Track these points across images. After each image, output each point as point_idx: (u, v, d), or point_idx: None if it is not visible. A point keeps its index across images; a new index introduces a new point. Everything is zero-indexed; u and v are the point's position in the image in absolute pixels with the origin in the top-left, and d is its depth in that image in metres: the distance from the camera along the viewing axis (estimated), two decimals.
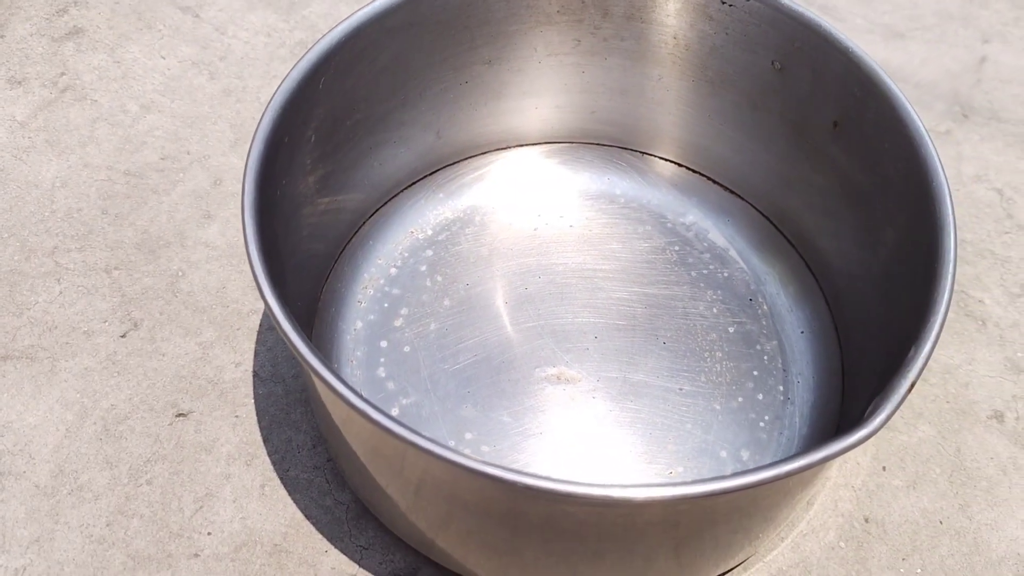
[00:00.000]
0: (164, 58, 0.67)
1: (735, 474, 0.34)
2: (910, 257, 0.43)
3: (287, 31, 0.69)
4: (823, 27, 0.47)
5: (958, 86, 0.67)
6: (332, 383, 0.36)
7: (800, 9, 0.48)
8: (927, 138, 0.42)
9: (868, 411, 0.36)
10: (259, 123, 0.43)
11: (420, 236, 0.57)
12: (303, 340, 0.37)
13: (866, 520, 0.48)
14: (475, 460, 0.34)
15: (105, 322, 0.54)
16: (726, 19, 0.50)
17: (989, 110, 0.65)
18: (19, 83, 0.65)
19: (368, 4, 0.48)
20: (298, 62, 0.46)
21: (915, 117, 0.43)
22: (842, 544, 0.48)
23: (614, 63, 0.55)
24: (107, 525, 0.47)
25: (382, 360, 0.52)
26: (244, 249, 0.56)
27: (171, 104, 0.64)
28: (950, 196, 0.40)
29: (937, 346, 0.52)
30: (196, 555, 0.46)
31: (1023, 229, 0.59)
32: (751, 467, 0.48)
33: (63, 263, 0.56)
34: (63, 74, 0.66)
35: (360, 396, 0.36)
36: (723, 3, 0.50)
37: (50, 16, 0.70)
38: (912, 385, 0.36)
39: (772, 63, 0.50)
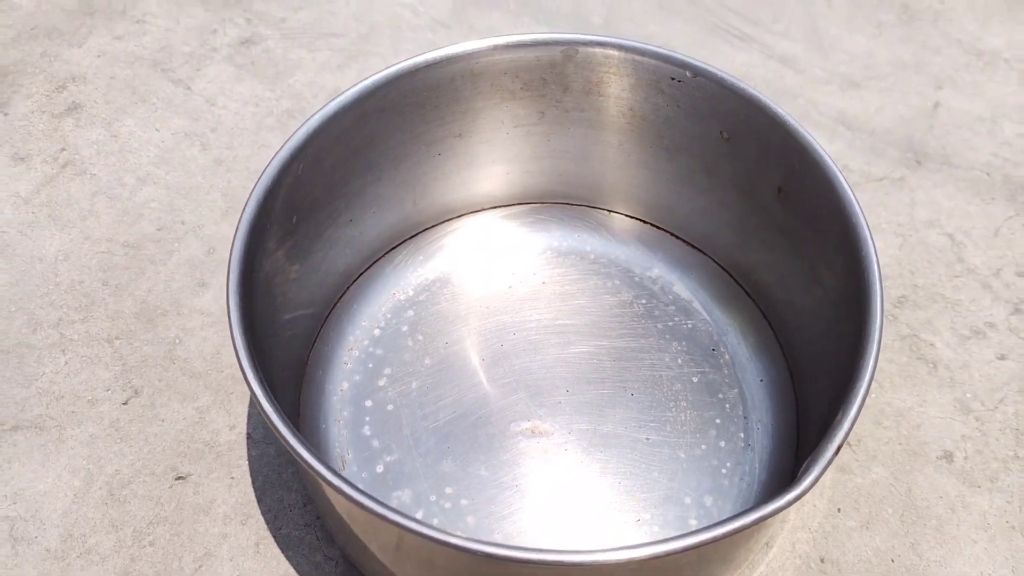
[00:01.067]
0: (158, 130, 0.71)
1: (674, 537, 0.37)
2: (847, 315, 0.47)
3: (273, 100, 0.73)
4: (764, 103, 0.50)
5: (912, 132, 0.70)
6: (311, 463, 0.39)
7: (742, 86, 0.51)
8: (859, 212, 0.46)
9: (800, 471, 0.39)
10: (243, 212, 0.47)
11: (401, 297, 0.60)
12: (289, 429, 0.41)
13: (822, 560, 0.52)
14: (439, 532, 0.37)
15: (108, 390, 0.58)
16: (677, 94, 0.54)
17: (941, 155, 0.69)
18: (22, 159, 0.69)
19: (342, 93, 0.52)
20: (277, 152, 0.50)
21: (847, 189, 0.47)
22: None
23: (577, 132, 0.58)
24: None
25: (367, 419, 0.55)
26: None
27: (166, 176, 0.68)
28: (880, 277, 0.44)
29: (890, 390, 0.56)
30: None
31: (973, 273, 0.62)
32: (714, 513, 0.51)
33: (67, 334, 0.60)
34: (63, 149, 0.70)
35: (332, 470, 0.39)
36: (673, 79, 0.53)
37: (50, 92, 0.74)
38: (839, 448, 0.39)
39: (720, 133, 0.53)
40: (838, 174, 0.47)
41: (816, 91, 0.73)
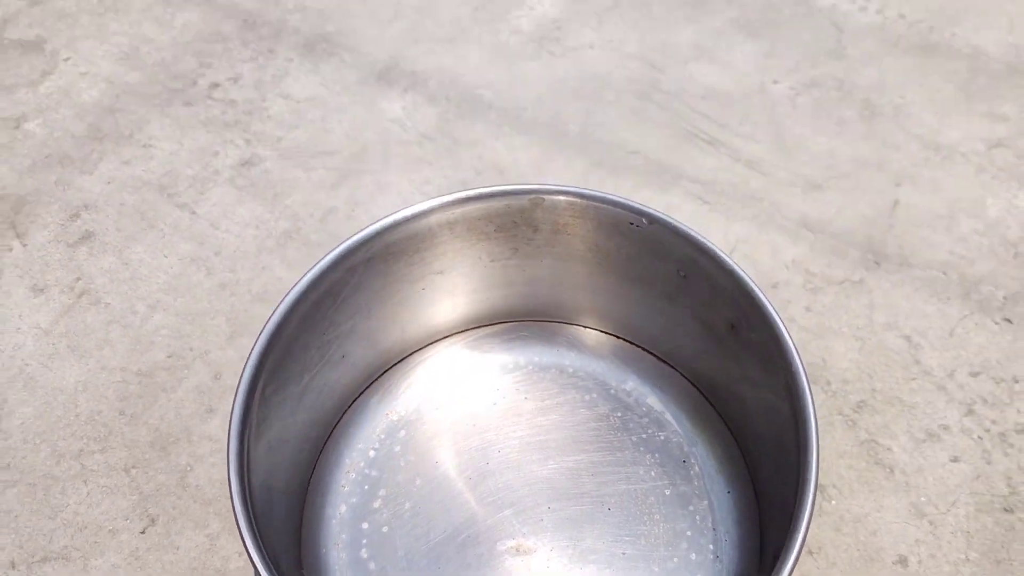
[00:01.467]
0: (166, 257, 0.76)
1: None
2: (793, 444, 0.51)
3: (272, 222, 0.78)
4: (712, 250, 0.55)
5: (872, 232, 0.74)
6: None
7: (694, 234, 0.56)
8: (796, 358, 0.50)
9: None
10: (241, 376, 0.52)
11: (394, 418, 0.65)
12: None
13: None
14: None
15: (127, 519, 0.63)
16: (635, 235, 0.58)
17: (900, 255, 0.73)
18: (41, 291, 0.75)
19: (329, 252, 0.57)
20: (270, 317, 0.54)
21: (785, 335, 0.51)
22: None
23: (548, 263, 0.63)
24: None
25: (364, 542, 0.60)
26: None
27: (174, 302, 0.73)
28: (816, 426, 0.48)
29: (850, 496, 0.60)
30: None
31: (928, 375, 0.66)
32: None
33: (88, 465, 0.65)
34: (79, 279, 0.75)
35: None
36: (631, 224, 0.58)
37: (64, 221, 0.79)
38: None
39: (678, 271, 0.58)
40: (777, 319, 0.52)
41: (780, 193, 0.77)
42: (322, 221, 0.78)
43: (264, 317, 0.72)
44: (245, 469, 0.50)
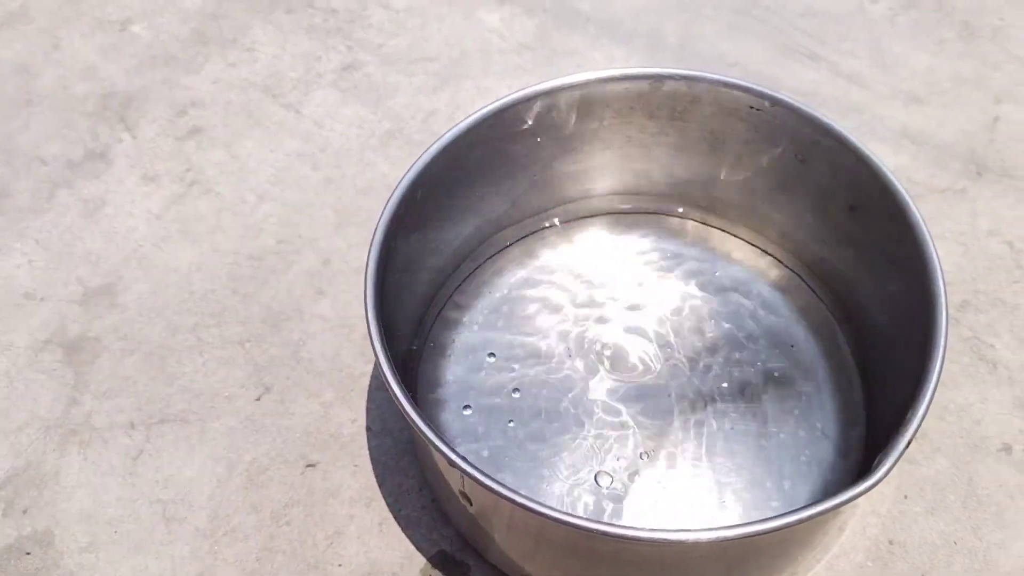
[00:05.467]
0: (273, 152, 0.78)
1: (758, 520, 0.43)
2: (914, 322, 0.52)
3: (376, 122, 0.80)
4: (836, 130, 0.56)
5: (973, 145, 0.75)
6: (437, 444, 0.46)
7: (816, 114, 0.57)
8: (925, 230, 0.51)
9: (875, 462, 0.45)
10: (373, 235, 0.54)
11: (497, 295, 0.66)
12: (416, 411, 0.47)
13: (890, 543, 0.57)
14: (560, 512, 0.44)
15: (242, 387, 0.65)
16: (755, 120, 0.59)
17: (1001, 168, 0.73)
18: (152, 179, 0.77)
19: (453, 126, 0.58)
20: (401, 179, 0.56)
21: (913, 208, 0.52)
22: (870, 564, 0.56)
23: (660, 153, 0.64)
24: (256, 560, 0.58)
25: (471, 406, 0.61)
26: (353, 322, 0.66)
27: (282, 193, 0.75)
28: (944, 287, 0.49)
29: (952, 388, 0.61)
30: None
31: None
32: (792, 497, 0.57)
33: (203, 338, 0.67)
34: (188, 170, 0.77)
35: (460, 455, 0.45)
36: (751, 108, 0.59)
37: (172, 117, 0.81)
38: (909, 442, 0.44)
39: (795, 155, 0.59)
40: (904, 193, 0.53)
41: (881, 106, 0.78)
42: (424, 122, 0.79)
43: (369, 210, 0.74)
44: (379, 302, 0.51)
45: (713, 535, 0.43)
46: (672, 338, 0.63)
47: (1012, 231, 0.69)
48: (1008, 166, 0.73)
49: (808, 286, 0.64)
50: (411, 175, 0.57)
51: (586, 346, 0.63)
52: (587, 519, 0.44)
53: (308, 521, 0.59)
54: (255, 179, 0.76)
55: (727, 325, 0.64)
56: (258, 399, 0.64)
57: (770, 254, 0.66)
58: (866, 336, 0.60)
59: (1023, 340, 0.64)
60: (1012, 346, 0.64)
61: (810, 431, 0.59)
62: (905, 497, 0.58)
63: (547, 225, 0.69)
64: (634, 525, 0.44)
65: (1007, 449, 0.60)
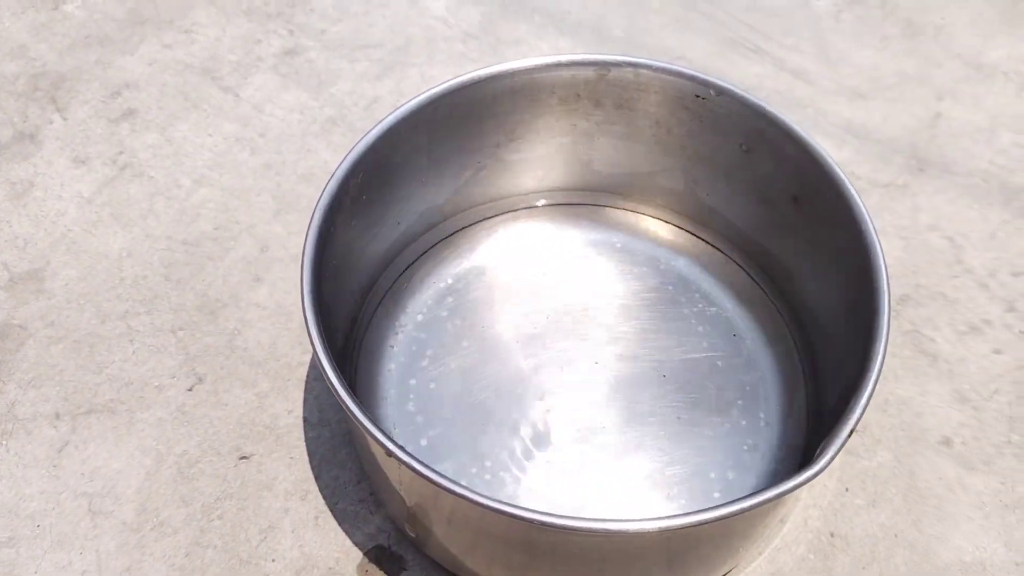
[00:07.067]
0: (210, 136, 0.76)
1: (704, 509, 0.42)
2: (858, 313, 0.52)
3: (317, 108, 0.78)
4: (781, 120, 0.55)
5: (915, 141, 0.75)
6: (374, 433, 0.44)
7: (761, 103, 0.56)
8: (868, 219, 0.51)
9: (817, 452, 0.44)
10: (311, 219, 0.52)
11: (441, 286, 0.65)
12: (353, 399, 0.45)
13: (832, 535, 0.57)
14: (499, 503, 0.42)
15: (173, 377, 0.63)
16: (700, 109, 0.59)
17: (942, 164, 0.74)
18: (83, 162, 0.74)
19: (397, 108, 0.57)
20: (341, 162, 0.55)
21: (857, 198, 0.52)
22: (811, 556, 0.56)
23: (606, 142, 0.63)
24: (186, 555, 0.56)
25: (411, 396, 0.60)
26: (292, 311, 0.64)
27: (219, 178, 0.73)
28: (887, 279, 0.49)
29: (894, 381, 0.61)
30: None
31: (970, 273, 0.67)
32: (735, 487, 0.56)
33: (134, 326, 0.65)
34: (121, 153, 0.75)
35: (398, 445, 0.44)
36: (697, 97, 0.58)
37: (105, 99, 0.79)
38: (851, 432, 0.44)
39: (740, 145, 0.58)
40: (848, 184, 0.53)
41: (825, 102, 0.78)
42: (367, 110, 0.78)
43: (310, 197, 0.72)
44: (316, 295, 0.50)
45: (659, 524, 0.42)
46: (615, 329, 0.62)
47: (952, 226, 0.70)
48: (949, 161, 0.74)
49: (751, 277, 0.64)
50: (351, 158, 0.55)
51: (529, 337, 0.62)
52: (527, 510, 0.43)
53: (241, 515, 0.57)
54: (191, 163, 0.74)
55: (670, 316, 0.63)
56: (190, 389, 0.62)
57: (714, 245, 0.66)
58: (809, 327, 0.60)
59: (962, 334, 0.64)
60: (952, 340, 0.64)
61: (753, 421, 0.59)
62: (847, 490, 0.58)
63: (492, 215, 0.67)
64: (576, 516, 0.43)
65: (947, 442, 0.60)
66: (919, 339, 0.64)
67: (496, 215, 0.68)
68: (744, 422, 0.58)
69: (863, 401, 0.45)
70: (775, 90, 0.79)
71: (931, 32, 0.84)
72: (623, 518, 0.43)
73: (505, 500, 0.48)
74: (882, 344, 0.47)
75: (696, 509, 0.53)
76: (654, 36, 0.83)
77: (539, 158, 0.64)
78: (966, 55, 0.82)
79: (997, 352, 0.64)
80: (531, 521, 0.42)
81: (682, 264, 0.65)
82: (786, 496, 0.44)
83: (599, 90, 0.60)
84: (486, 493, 0.43)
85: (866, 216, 0.51)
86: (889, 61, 0.81)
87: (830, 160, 0.54)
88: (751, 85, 0.79)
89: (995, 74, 0.80)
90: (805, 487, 0.45)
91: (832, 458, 0.43)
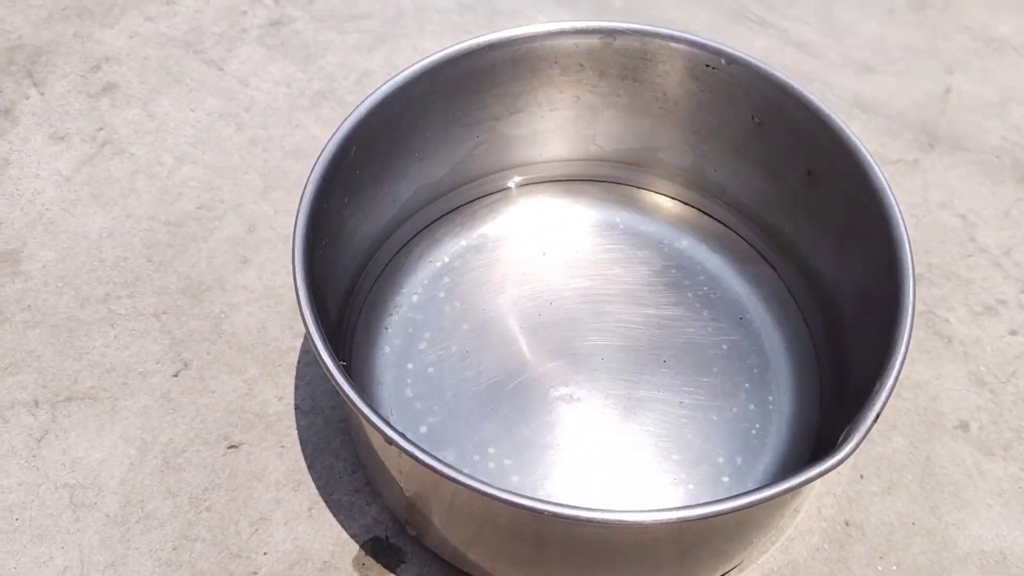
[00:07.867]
0: (193, 111, 0.73)
1: (721, 499, 0.40)
2: (878, 292, 0.49)
3: (305, 81, 0.75)
4: (796, 89, 0.53)
5: (925, 116, 0.73)
6: (371, 419, 0.42)
7: (775, 72, 0.54)
8: (890, 194, 0.48)
9: (840, 439, 0.42)
10: (302, 194, 0.49)
11: (438, 264, 0.62)
12: (350, 384, 0.43)
13: (847, 524, 0.55)
14: (507, 492, 0.40)
15: (158, 363, 0.60)
16: (710, 80, 0.56)
17: (953, 139, 0.71)
18: (61, 139, 0.71)
19: (391, 78, 0.54)
20: (333, 134, 0.52)
21: (877, 170, 0.49)
22: (826, 546, 0.54)
23: (610, 115, 0.61)
24: (173, 549, 0.53)
25: (409, 381, 0.57)
26: (281, 293, 0.62)
27: (203, 155, 0.70)
28: (911, 255, 0.46)
29: (908, 363, 0.59)
30: (255, 574, 0.52)
31: (984, 252, 0.65)
32: (744, 472, 0.54)
33: (115, 309, 0.62)
34: (101, 129, 0.72)
35: (398, 432, 0.41)
36: (707, 66, 0.55)
37: (84, 73, 0.75)
38: (877, 417, 0.42)
39: (752, 118, 0.56)
40: (868, 157, 0.50)
41: (832, 75, 0.75)
42: (358, 83, 0.75)
43: (299, 174, 0.69)
44: (309, 276, 0.47)
45: (677, 515, 0.40)
46: (620, 310, 0.60)
47: (964, 204, 0.68)
48: (960, 137, 0.71)
49: (761, 256, 0.62)
50: (343, 132, 0.52)
51: (531, 318, 0.59)
52: (540, 500, 0.40)
53: (230, 506, 0.55)
54: (173, 140, 0.71)
55: (676, 296, 0.61)
56: (175, 375, 0.59)
57: (722, 222, 0.63)
58: (822, 307, 0.57)
59: (977, 314, 0.62)
60: (966, 320, 0.62)
61: (761, 405, 0.56)
62: (861, 477, 0.56)
63: (491, 191, 0.65)
64: (585, 505, 0.40)
65: (964, 426, 0.58)
66: (933, 320, 0.62)
67: (495, 192, 0.65)
68: (752, 406, 0.56)
69: (889, 384, 0.43)
70: (780, 63, 0.76)
71: (939, 4, 0.81)
72: (638, 509, 0.41)
73: (509, 489, 0.46)
74: (907, 325, 0.45)
75: (705, 494, 0.51)
76: (656, 7, 0.80)
77: (541, 132, 0.62)
78: (975, 28, 0.79)
79: (1013, 333, 0.61)
80: (543, 512, 0.40)
81: (689, 243, 0.63)
82: (809, 484, 0.41)
83: (604, 60, 0.58)
84: (490, 482, 0.41)
85: (887, 189, 0.49)
86: (896, 34, 0.79)
87: (849, 131, 0.51)
88: (758, 58, 0.76)
89: (1005, 48, 0.78)
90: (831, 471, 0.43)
91: (857, 444, 0.41)
